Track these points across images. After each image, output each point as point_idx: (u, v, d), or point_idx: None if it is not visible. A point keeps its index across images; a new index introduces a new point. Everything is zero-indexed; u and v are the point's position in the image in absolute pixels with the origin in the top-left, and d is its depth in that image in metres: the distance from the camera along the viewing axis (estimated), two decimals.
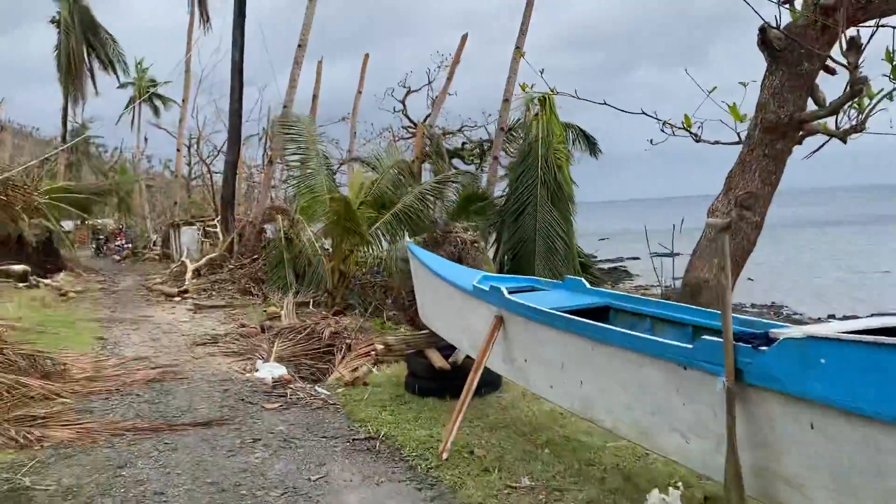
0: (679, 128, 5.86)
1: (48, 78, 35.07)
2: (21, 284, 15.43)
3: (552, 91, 6.21)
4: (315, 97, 28.89)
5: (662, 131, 5.96)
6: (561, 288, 5.63)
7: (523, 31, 19.70)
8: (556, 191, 16.45)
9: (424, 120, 37.74)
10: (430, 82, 37.62)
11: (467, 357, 6.26)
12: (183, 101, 35.03)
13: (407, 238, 6.99)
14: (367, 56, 26.64)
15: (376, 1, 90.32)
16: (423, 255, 6.72)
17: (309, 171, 13.54)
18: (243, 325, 11.08)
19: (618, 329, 3.85)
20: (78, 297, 15.96)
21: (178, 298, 15.60)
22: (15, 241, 16.63)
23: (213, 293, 16.43)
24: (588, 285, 5.41)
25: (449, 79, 23.79)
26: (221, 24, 53.18)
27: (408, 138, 37.93)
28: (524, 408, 6.03)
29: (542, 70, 6.08)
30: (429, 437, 5.20)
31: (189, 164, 41.93)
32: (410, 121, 38.43)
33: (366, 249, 13.84)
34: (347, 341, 9.24)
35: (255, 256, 18.48)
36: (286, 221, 17.92)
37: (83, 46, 33.67)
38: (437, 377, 6.29)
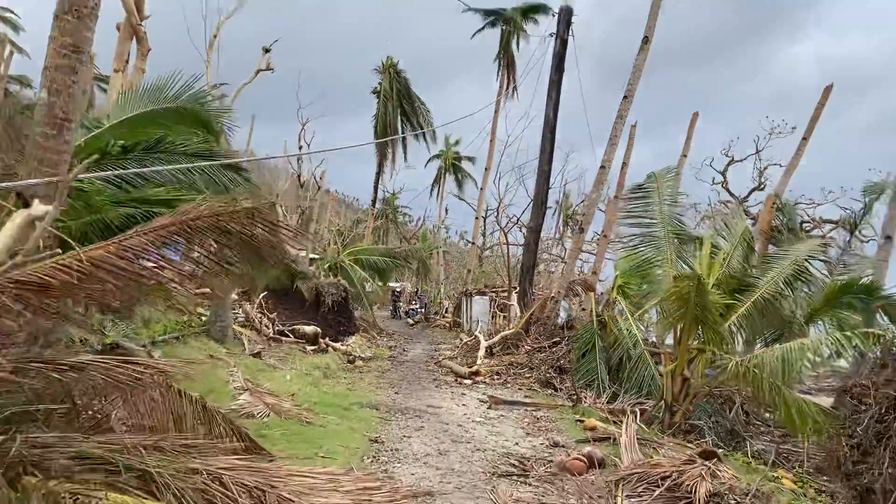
0: None
1: (370, 154, 37.34)
2: (310, 347, 14.25)
3: None
4: (625, 164, 26.04)
5: None
6: None
7: None
8: None
9: (750, 193, 32.71)
10: (757, 151, 32.78)
11: None
12: (486, 168, 34.52)
13: None
14: (696, 115, 22.93)
15: (680, 84, 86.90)
16: None
17: (651, 239, 10.26)
18: (556, 444, 7.96)
19: None
20: (364, 367, 14.41)
21: (468, 381, 13.17)
22: (313, 301, 15.76)
23: (508, 379, 13.75)
24: None
25: (805, 138, 18.87)
26: (530, 100, 53.67)
27: (727, 214, 33.03)
28: None
29: None
30: None
31: (483, 234, 41.55)
32: (731, 194, 33.59)
33: (720, 350, 9.93)
34: None
35: (557, 340, 15.50)
36: (598, 301, 14.77)
37: (398, 114, 35.12)
38: None
